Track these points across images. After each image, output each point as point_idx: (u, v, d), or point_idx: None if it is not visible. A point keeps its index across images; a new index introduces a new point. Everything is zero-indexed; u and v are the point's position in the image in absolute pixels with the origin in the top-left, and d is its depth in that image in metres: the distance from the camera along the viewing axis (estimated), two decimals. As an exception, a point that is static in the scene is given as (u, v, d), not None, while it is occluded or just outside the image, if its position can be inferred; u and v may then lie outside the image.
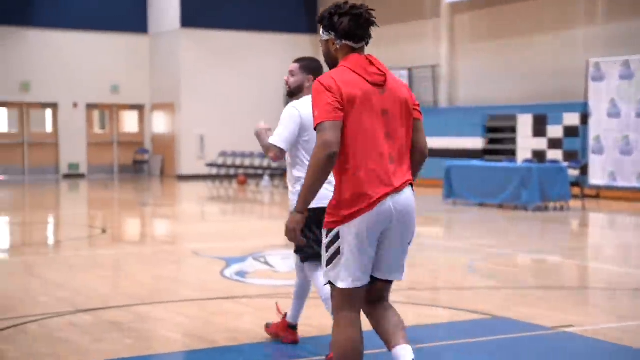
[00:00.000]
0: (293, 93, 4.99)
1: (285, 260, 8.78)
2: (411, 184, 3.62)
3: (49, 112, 24.62)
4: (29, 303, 6.48)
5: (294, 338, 5.20)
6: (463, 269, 8.47)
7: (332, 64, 3.69)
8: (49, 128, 24.72)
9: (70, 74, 24.21)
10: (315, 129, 3.45)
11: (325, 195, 4.09)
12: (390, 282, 3.66)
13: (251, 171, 22.76)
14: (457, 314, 6.20)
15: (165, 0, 24.61)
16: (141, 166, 25.56)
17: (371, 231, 3.48)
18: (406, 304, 6.54)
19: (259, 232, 12.04)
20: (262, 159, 22.41)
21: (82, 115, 24.68)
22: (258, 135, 4.94)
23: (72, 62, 24.21)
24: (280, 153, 4.71)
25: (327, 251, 3.51)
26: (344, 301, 3.51)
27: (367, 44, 3.67)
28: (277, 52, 25.30)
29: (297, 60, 5.08)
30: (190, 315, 6.02)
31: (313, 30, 26.12)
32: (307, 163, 4.51)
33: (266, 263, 8.52)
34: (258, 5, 25.02)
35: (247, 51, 25.07)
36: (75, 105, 24.50)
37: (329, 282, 3.54)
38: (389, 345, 3.56)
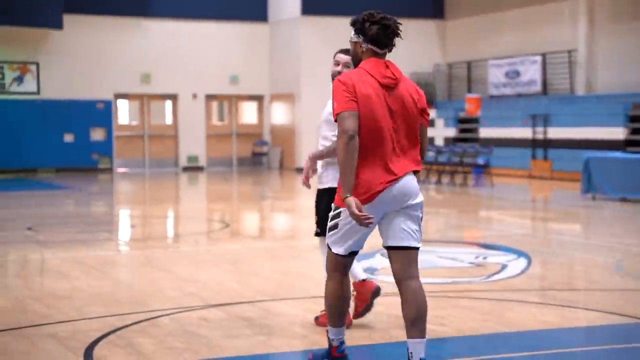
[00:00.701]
0: None
1: (415, 257, 8.79)
2: (414, 172, 4.38)
3: (168, 104, 25.47)
4: (159, 297, 6.76)
5: (348, 321, 5.53)
6: (605, 269, 8.25)
7: (357, 63, 4.44)
8: (168, 120, 25.58)
9: (190, 64, 24.95)
10: (335, 120, 4.24)
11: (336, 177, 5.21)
12: (406, 249, 4.36)
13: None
14: (602, 316, 6.05)
15: (284, -13, 25.00)
16: (260, 158, 26.08)
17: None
18: (543, 304, 6.44)
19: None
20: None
21: (201, 107, 25.40)
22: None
23: (191, 53, 24.94)
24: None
25: (330, 222, 4.44)
26: (336, 264, 4.48)
27: (389, 51, 4.46)
28: (402, 39, 25.26)
29: (348, 52, 5.42)
30: (319, 312, 6.11)
31: (439, 15, 25.94)
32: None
33: (395, 260, 8.55)
34: (381, -10, 25.06)
35: (369, 38, 25.13)
36: (194, 96, 25.24)
37: (328, 245, 4.48)
38: (406, 331, 4.35)
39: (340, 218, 4.36)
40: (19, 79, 23.60)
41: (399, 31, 4.43)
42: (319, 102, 24.47)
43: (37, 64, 23.64)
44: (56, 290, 7.01)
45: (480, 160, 20.09)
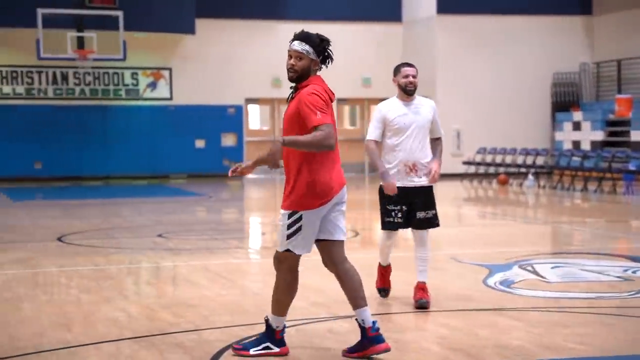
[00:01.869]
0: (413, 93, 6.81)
1: (556, 269, 8.56)
2: None
3: (299, 108, 25.81)
4: (285, 307, 6.83)
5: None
6: None
7: (304, 77, 5.15)
8: (299, 124, 25.91)
9: (321, 67, 25.17)
10: (322, 125, 4.91)
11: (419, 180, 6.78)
12: (340, 241, 5.32)
13: (513, 169, 22.40)
14: None
15: (419, -15, 24.93)
16: (393, 164, 26.03)
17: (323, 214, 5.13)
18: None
19: (524, 237, 11.82)
20: (526, 156, 21.97)
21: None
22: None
23: (322, 55, 25.19)
24: (375, 144, 6.75)
25: (288, 229, 5.07)
26: (294, 263, 5.22)
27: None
28: (543, 38, 24.71)
29: (413, 65, 6.86)
30: (453, 327, 6.05)
31: (587, 11, 25.19)
32: (390, 148, 6.75)
33: (534, 272, 8.36)
34: (523, -15, 24.61)
35: (510, 37, 24.69)
36: (325, 100, 25.47)
37: (287, 250, 5.12)
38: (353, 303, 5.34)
39: (302, 221, 5.05)
40: (152, 85, 24.53)
41: None
42: (454, 105, 24.32)
43: (170, 70, 24.50)
44: (184, 299, 7.22)
45: (632, 166, 19.33)
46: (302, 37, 5.16)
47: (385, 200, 6.81)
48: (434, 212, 6.86)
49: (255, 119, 25.95)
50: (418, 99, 6.89)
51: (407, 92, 6.76)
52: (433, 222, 6.87)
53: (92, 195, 19.70)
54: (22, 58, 23.40)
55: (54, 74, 23.83)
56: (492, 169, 22.76)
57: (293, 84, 5.21)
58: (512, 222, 14.15)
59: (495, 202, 17.68)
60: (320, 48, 5.17)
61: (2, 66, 23.47)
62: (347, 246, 11.05)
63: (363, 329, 5.17)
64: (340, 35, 25.33)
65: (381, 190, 6.83)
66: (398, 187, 6.70)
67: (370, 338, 5.12)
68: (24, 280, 8.34)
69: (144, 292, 7.85)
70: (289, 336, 5.81)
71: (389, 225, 6.85)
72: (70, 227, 12.86)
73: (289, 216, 5.08)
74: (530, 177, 20.87)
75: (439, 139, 7.01)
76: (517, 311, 6.60)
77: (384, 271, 7.24)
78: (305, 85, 5.13)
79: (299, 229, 5.06)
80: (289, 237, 5.08)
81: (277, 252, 5.25)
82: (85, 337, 5.87)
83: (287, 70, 5.16)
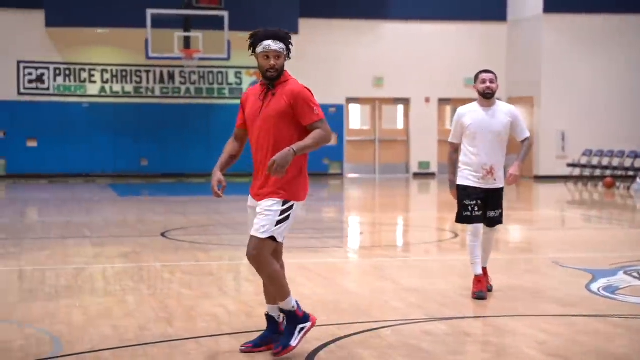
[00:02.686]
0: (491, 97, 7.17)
1: (663, 276, 8.29)
2: None
3: (400, 108, 25.75)
4: (381, 307, 6.84)
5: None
6: None
7: (281, 74, 5.30)
8: (400, 124, 25.85)
9: (423, 67, 25.05)
10: (321, 120, 5.24)
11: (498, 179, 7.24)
12: None
13: (620, 172, 21.77)
14: None
15: (525, -16, 24.50)
16: (495, 165, 25.65)
17: None
18: None
19: (630, 242, 11.50)
20: (634, 159, 21.32)
21: (433, 111, 25.43)
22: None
23: (424, 55, 25.04)
24: (452, 146, 7.32)
25: (280, 215, 5.18)
26: (270, 250, 5.20)
27: None
28: None
29: (492, 72, 7.23)
30: (553, 333, 5.93)
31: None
32: (468, 151, 7.15)
33: (640, 279, 8.12)
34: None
35: (619, 36, 24.02)
36: (427, 100, 25.32)
37: (271, 237, 5.15)
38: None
39: (292, 210, 5.23)
40: (255, 84, 24.83)
41: None
42: (560, 106, 23.81)
43: (273, 69, 24.75)
44: (282, 296, 7.27)
45: None
46: (273, 36, 5.27)
47: (463, 196, 7.20)
48: (500, 211, 7.36)
49: (356, 118, 25.99)
50: (498, 104, 7.23)
51: (486, 96, 7.13)
52: (500, 219, 7.38)
53: (194, 192, 20.11)
54: (131, 57, 24.04)
55: (161, 73, 24.41)
56: (598, 172, 22.16)
57: (268, 82, 5.33)
58: (618, 226, 13.77)
59: (601, 206, 17.23)
60: (287, 43, 5.31)
61: (112, 65, 24.17)
62: (448, 248, 11.12)
63: (275, 323, 5.44)
64: (444, 34, 25.14)
65: (459, 187, 7.25)
66: (474, 187, 7.17)
67: (280, 332, 5.40)
68: (129, 274, 8.58)
69: (243, 288, 7.96)
70: (384, 337, 5.81)
71: (464, 219, 7.22)
72: (174, 223, 13.16)
73: (283, 204, 5.21)
74: (639, 180, 20.24)
75: (524, 140, 7.29)
76: (621, 318, 6.42)
77: (480, 278, 7.32)
78: (284, 81, 5.30)
79: (288, 217, 5.23)
80: (279, 223, 5.18)
81: (254, 244, 5.17)
82: (186, 331, 6.00)
83: (267, 70, 5.26)
